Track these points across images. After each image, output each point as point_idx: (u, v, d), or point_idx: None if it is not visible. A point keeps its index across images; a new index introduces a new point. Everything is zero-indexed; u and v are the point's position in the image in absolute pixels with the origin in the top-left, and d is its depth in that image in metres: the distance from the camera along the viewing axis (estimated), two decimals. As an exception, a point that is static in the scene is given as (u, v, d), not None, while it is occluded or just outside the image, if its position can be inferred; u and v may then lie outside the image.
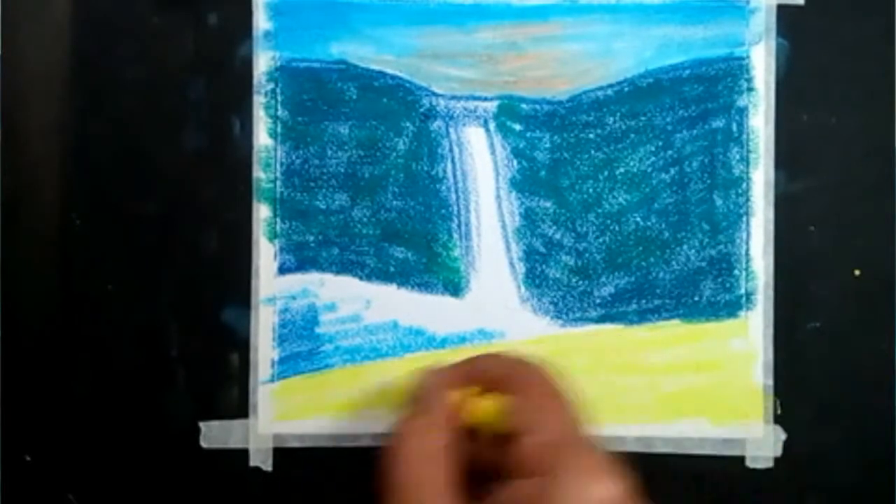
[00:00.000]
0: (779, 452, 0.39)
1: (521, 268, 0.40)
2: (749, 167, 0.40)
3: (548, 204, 0.40)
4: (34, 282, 0.40)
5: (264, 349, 0.40)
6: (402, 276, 0.40)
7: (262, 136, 0.40)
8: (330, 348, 0.40)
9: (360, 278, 0.40)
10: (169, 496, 0.40)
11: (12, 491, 0.40)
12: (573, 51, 0.40)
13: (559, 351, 0.40)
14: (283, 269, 0.40)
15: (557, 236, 0.40)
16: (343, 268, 0.40)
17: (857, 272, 0.40)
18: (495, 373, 0.34)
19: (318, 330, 0.40)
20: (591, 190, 0.40)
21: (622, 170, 0.40)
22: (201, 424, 0.40)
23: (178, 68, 0.40)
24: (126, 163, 0.40)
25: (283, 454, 0.40)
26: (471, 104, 0.40)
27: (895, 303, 0.40)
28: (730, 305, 0.40)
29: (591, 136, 0.40)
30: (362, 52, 0.40)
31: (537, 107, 0.40)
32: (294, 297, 0.40)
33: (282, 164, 0.40)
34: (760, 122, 0.40)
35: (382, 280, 0.40)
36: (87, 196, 0.40)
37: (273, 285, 0.40)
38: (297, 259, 0.40)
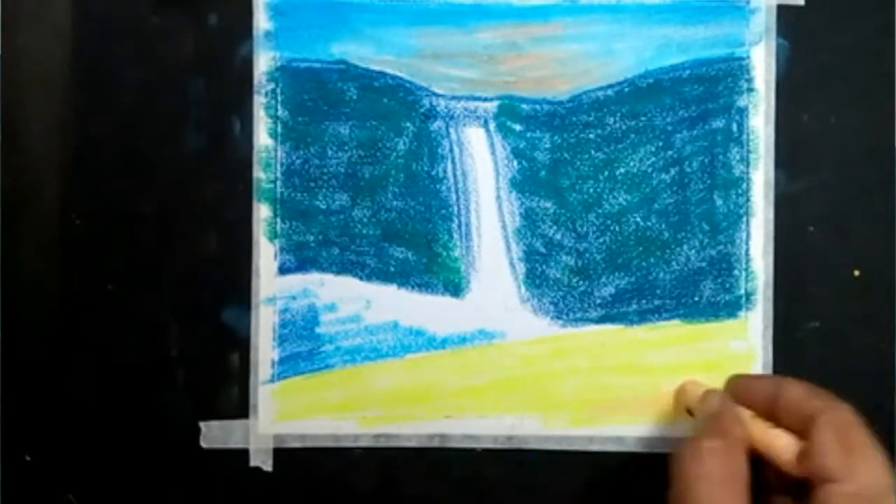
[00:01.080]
0: (779, 452, 0.39)
1: (521, 268, 0.40)
2: (749, 167, 0.40)
3: (548, 204, 0.40)
4: (34, 282, 0.40)
5: (264, 349, 0.40)
6: (403, 276, 0.40)
7: (263, 136, 0.40)
8: (330, 348, 0.40)
9: (361, 278, 0.40)
10: (169, 496, 0.40)
11: (12, 491, 0.40)
12: (573, 51, 0.40)
13: (559, 351, 0.40)
14: (283, 269, 0.40)
15: (558, 236, 0.40)
16: (343, 268, 0.40)
17: (857, 272, 0.40)
18: (799, 406, 0.33)
19: (318, 330, 0.40)
20: (591, 190, 0.40)
21: (622, 170, 0.40)
22: (201, 424, 0.40)
23: (178, 68, 0.40)
24: (126, 163, 0.40)
25: (283, 454, 0.40)
26: (471, 104, 0.40)
27: (895, 303, 0.40)
28: (730, 306, 0.40)
29: (592, 136, 0.40)
30: (362, 52, 0.40)
31: (537, 107, 0.40)
32: (294, 298, 0.40)
33: (282, 164, 0.40)
34: (760, 122, 0.40)
35: (383, 280, 0.40)
36: (87, 196, 0.40)
37: (273, 285, 0.40)
38: (298, 259, 0.40)
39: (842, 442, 0.31)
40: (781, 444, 0.33)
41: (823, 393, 0.33)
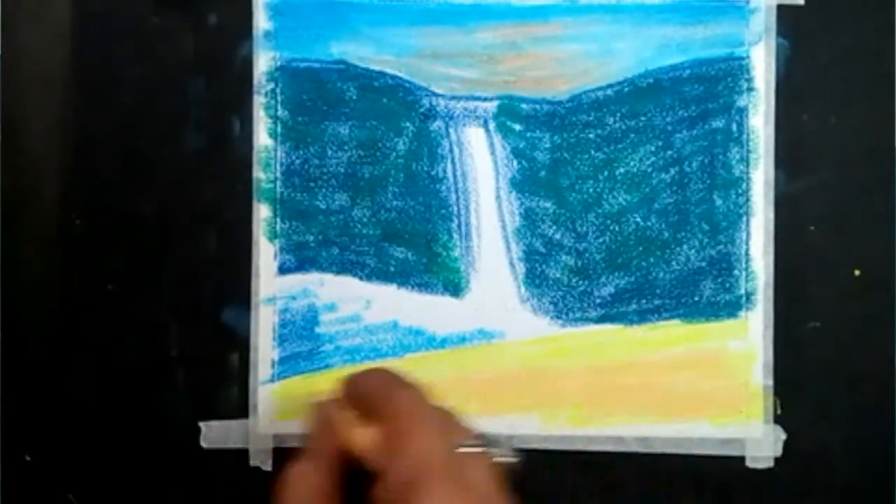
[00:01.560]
0: (779, 452, 0.39)
1: (521, 268, 0.40)
2: (749, 167, 0.40)
3: (548, 204, 0.40)
4: (34, 282, 0.40)
5: (264, 349, 0.40)
6: (403, 276, 0.40)
7: (262, 136, 0.40)
8: (330, 348, 0.40)
9: (361, 278, 0.40)
10: (169, 496, 0.40)
11: (12, 491, 0.40)
12: (573, 51, 0.40)
13: (559, 351, 0.40)
14: (283, 269, 0.40)
15: (557, 236, 0.40)
16: (343, 268, 0.40)
17: (857, 272, 0.40)
18: (369, 397, 0.33)
19: (318, 330, 0.40)
20: (591, 190, 0.40)
21: (622, 170, 0.40)
22: (201, 424, 0.40)
23: (178, 68, 0.40)
24: (126, 163, 0.40)
25: (283, 454, 0.40)
26: (471, 104, 0.40)
27: (895, 303, 0.40)
28: (730, 305, 0.40)
29: (591, 136, 0.40)
30: (362, 52, 0.40)
31: (537, 107, 0.40)
32: (294, 297, 0.40)
33: (282, 164, 0.40)
34: (760, 122, 0.40)
35: (382, 280, 0.40)
36: (87, 196, 0.40)
37: (273, 285, 0.40)
38: (298, 259, 0.40)
39: (389, 433, 0.30)
40: (361, 440, 0.32)
41: (388, 380, 0.33)
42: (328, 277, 0.40)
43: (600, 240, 0.40)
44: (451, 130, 0.40)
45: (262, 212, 0.40)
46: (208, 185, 0.40)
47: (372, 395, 0.32)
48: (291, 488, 0.32)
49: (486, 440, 0.32)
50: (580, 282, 0.40)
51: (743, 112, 0.40)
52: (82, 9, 0.40)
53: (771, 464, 0.39)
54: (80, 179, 0.40)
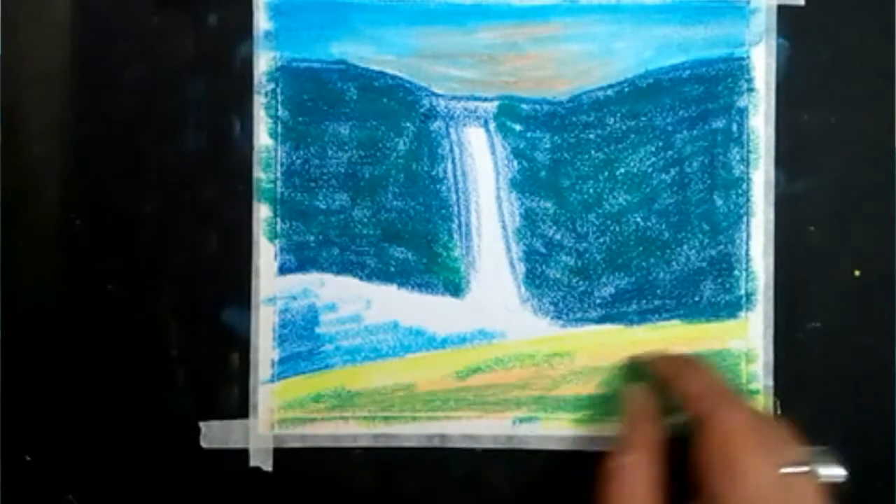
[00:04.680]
0: (779, 452, 0.39)
1: (521, 268, 0.40)
2: (749, 167, 0.40)
3: (548, 204, 0.40)
4: (34, 282, 0.40)
5: (264, 349, 0.40)
6: (403, 276, 0.40)
7: (263, 136, 0.40)
8: (330, 348, 0.40)
9: (361, 278, 0.40)
10: (169, 496, 0.40)
11: (12, 491, 0.40)
12: (573, 51, 0.40)
13: (559, 351, 0.40)
14: (283, 270, 0.40)
15: (558, 237, 0.40)
16: (343, 268, 0.40)
17: (857, 272, 0.40)
18: (694, 402, 0.34)
19: (318, 330, 0.40)
20: (591, 190, 0.40)
21: (622, 170, 0.40)
22: (201, 424, 0.40)
23: (178, 68, 0.40)
24: (126, 163, 0.40)
25: (283, 454, 0.40)
26: (471, 104, 0.40)
27: (895, 303, 0.40)
28: (730, 306, 0.40)
29: (592, 136, 0.40)
30: (362, 52, 0.40)
31: (537, 107, 0.40)
32: (294, 298, 0.40)
33: (282, 164, 0.40)
34: (760, 122, 0.40)
35: (383, 280, 0.40)
36: (87, 196, 0.40)
37: (273, 285, 0.40)
38: (298, 259, 0.40)
39: (721, 457, 0.31)
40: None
41: (719, 388, 0.34)
42: (328, 277, 0.40)
43: (601, 240, 0.40)
44: (452, 130, 0.40)
45: (262, 212, 0.40)
46: (208, 185, 0.40)
47: (697, 398, 0.33)
48: (623, 482, 0.32)
49: (812, 455, 0.32)
50: (580, 282, 0.40)
51: (743, 112, 0.40)
52: (82, 9, 0.40)
53: (771, 464, 0.39)
54: (80, 179, 0.40)
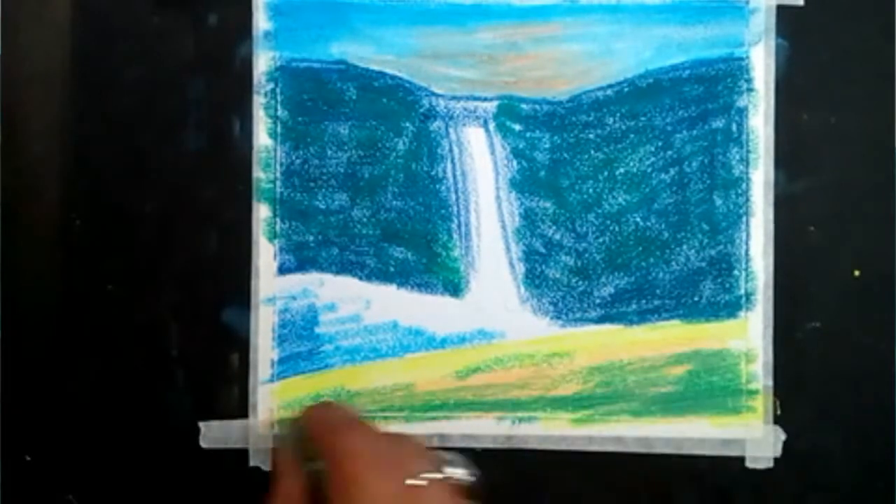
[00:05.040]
0: (779, 452, 0.39)
1: (520, 268, 0.40)
2: (749, 167, 0.40)
3: (547, 204, 0.40)
4: (34, 282, 0.40)
5: (264, 349, 0.40)
6: (402, 276, 0.40)
7: (262, 136, 0.40)
8: (330, 348, 0.40)
9: (360, 278, 0.40)
10: (169, 496, 0.40)
11: (12, 491, 0.40)
12: (573, 51, 0.40)
13: (559, 351, 0.40)
14: (283, 269, 0.40)
15: (557, 237, 0.40)
16: (343, 268, 0.40)
17: (857, 272, 0.40)
18: (314, 439, 0.34)
19: (317, 330, 0.40)
20: (590, 190, 0.40)
21: (622, 170, 0.40)
22: (201, 424, 0.40)
23: (178, 68, 0.40)
24: (126, 163, 0.40)
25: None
26: (471, 104, 0.40)
27: (895, 303, 0.40)
28: (729, 306, 0.40)
29: (591, 136, 0.40)
30: (362, 52, 0.40)
31: (537, 107, 0.40)
32: (294, 298, 0.40)
33: (282, 164, 0.40)
34: (760, 122, 0.40)
35: (382, 280, 0.40)
36: (87, 196, 0.40)
37: (273, 285, 0.40)
38: (297, 259, 0.40)
39: (342, 474, 0.31)
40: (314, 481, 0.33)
41: (330, 419, 0.34)
42: (328, 277, 0.40)
43: (600, 240, 0.40)
44: (451, 130, 0.40)
45: (262, 212, 0.40)
46: (208, 185, 0.40)
47: (316, 438, 0.34)
48: None
49: (441, 463, 0.33)
50: (580, 282, 0.40)
51: (743, 112, 0.40)
52: (82, 9, 0.40)
53: (771, 464, 0.39)
54: (80, 179, 0.40)
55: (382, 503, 0.30)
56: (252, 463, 0.40)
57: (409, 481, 0.31)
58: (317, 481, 0.33)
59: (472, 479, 0.33)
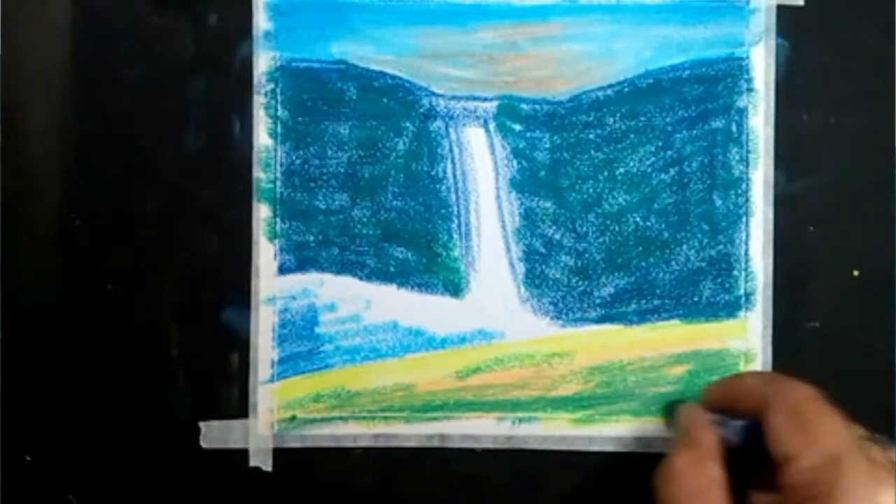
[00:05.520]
0: (778, 452, 0.39)
1: (521, 268, 0.40)
2: (749, 167, 0.40)
3: (548, 204, 0.40)
4: (34, 282, 0.40)
5: (264, 349, 0.40)
6: (402, 276, 0.40)
7: (262, 136, 0.40)
8: (330, 348, 0.40)
9: (360, 278, 0.40)
10: (169, 496, 0.40)
11: (12, 491, 0.40)
12: (573, 51, 0.40)
13: (559, 351, 0.40)
14: (283, 269, 0.40)
15: (557, 237, 0.40)
16: (343, 268, 0.40)
17: (856, 272, 0.40)
18: (754, 397, 0.33)
19: (318, 330, 0.40)
20: (590, 190, 0.40)
21: (622, 170, 0.40)
22: (201, 424, 0.40)
23: (178, 68, 0.40)
24: (126, 163, 0.40)
25: (283, 454, 0.40)
26: (471, 104, 0.40)
27: (895, 303, 0.40)
28: (729, 306, 0.40)
29: (591, 136, 0.40)
30: (362, 52, 0.40)
31: (537, 107, 0.40)
32: (294, 297, 0.40)
33: (282, 164, 0.40)
34: (760, 122, 0.40)
35: (382, 280, 0.40)
36: (87, 196, 0.40)
37: (273, 285, 0.40)
38: (297, 259, 0.40)
39: (794, 420, 0.31)
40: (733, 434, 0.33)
41: (777, 377, 0.34)
42: (328, 277, 0.40)
43: (600, 240, 0.40)
44: (451, 130, 0.40)
45: (262, 212, 0.40)
46: (208, 185, 0.40)
47: (758, 390, 0.33)
48: (682, 478, 0.32)
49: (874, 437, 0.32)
50: (580, 282, 0.40)
51: (743, 112, 0.40)
52: (82, 9, 0.40)
53: (771, 464, 0.39)
54: (80, 179, 0.40)
55: (849, 442, 0.30)
56: (252, 463, 0.40)
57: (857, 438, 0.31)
58: (730, 440, 0.33)
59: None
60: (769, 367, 0.39)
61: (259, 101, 0.40)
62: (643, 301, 0.40)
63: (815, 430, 0.30)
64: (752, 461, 0.33)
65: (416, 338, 0.40)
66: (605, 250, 0.40)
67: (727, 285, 0.40)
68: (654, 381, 0.40)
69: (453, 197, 0.40)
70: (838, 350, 0.40)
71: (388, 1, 0.40)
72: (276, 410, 0.40)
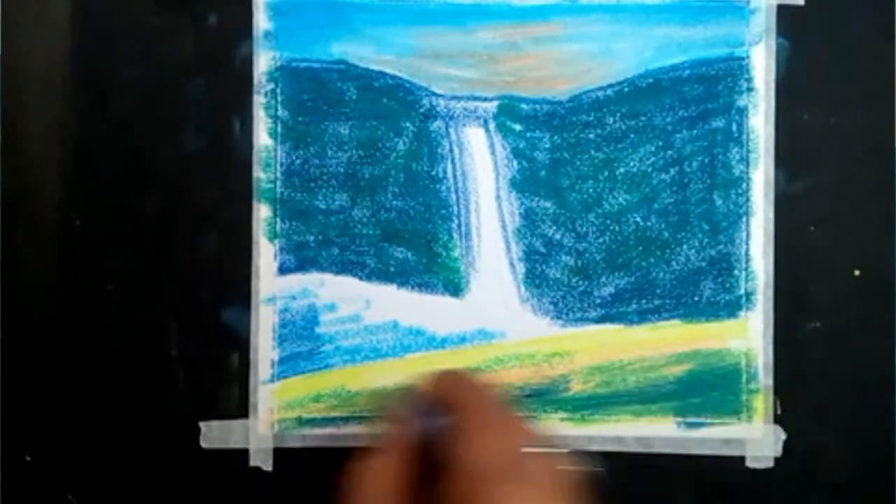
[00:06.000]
0: (779, 452, 0.39)
1: (521, 268, 0.40)
2: (749, 167, 0.40)
3: (548, 204, 0.40)
4: (34, 282, 0.40)
5: (264, 349, 0.40)
6: (403, 276, 0.40)
7: (262, 136, 0.40)
8: (330, 348, 0.40)
9: (361, 278, 0.40)
10: (169, 496, 0.40)
11: (12, 491, 0.40)
12: (573, 51, 0.40)
13: (559, 351, 0.40)
14: (283, 269, 0.40)
15: (557, 236, 0.40)
16: (343, 268, 0.40)
17: (857, 272, 0.40)
18: (441, 392, 0.33)
19: (318, 330, 0.40)
20: (591, 190, 0.40)
21: (622, 170, 0.40)
22: (201, 424, 0.40)
23: (178, 68, 0.40)
24: (126, 163, 0.40)
25: (283, 454, 0.40)
26: (471, 104, 0.40)
27: (895, 303, 0.40)
28: (730, 305, 0.40)
29: (592, 136, 0.40)
30: (362, 52, 0.40)
31: (537, 107, 0.40)
32: (294, 297, 0.40)
33: (282, 164, 0.40)
34: (760, 121, 0.40)
35: (382, 280, 0.40)
36: (87, 196, 0.40)
37: (273, 285, 0.40)
38: (298, 259, 0.40)
39: (467, 425, 0.31)
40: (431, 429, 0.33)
41: (462, 378, 0.34)
42: (328, 277, 0.40)
43: (600, 240, 0.40)
44: (452, 130, 0.40)
45: (262, 212, 0.40)
46: (208, 185, 0.40)
47: (444, 390, 0.33)
48: (366, 484, 0.32)
49: (550, 444, 0.33)
50: (580, 282, 0.40)
51: (743, 112, 0.40)
52: (82, 9, 0.40)
53: (771, 464, 0.39)
54: (80, 179, 0.40)
55: (501, 457, 0.30)
56: (252, 463, 0.40)
57: (524, 448, 0.30)
58: (430, 435, 0.33)
59: (590, 468, 0.33)
60: (769, 368, 0.39)
61: (259, 101, 0.40)
62: (643, 301, 0.40)
63: (484, 440, 0.30)
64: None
65: (416, 338, 0.40)
66: (606, 250, 0.40)
67: (728, 285, 0.40)
68: (655, 380, 0.40)
69: (453, 197, 0.40)
70: (838, 350, 0.40)
71: (388, 1, 0.40)
72: (277, 410, 0.40)
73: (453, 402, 0.32)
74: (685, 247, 0.40)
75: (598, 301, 0.40)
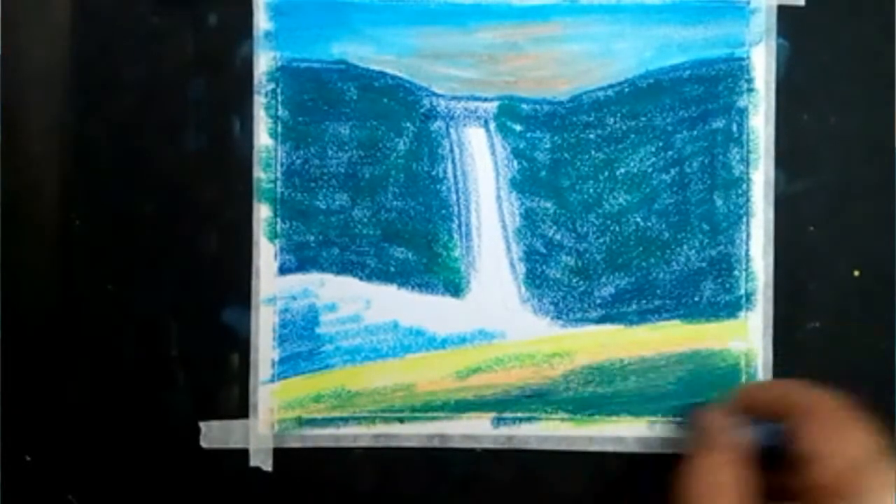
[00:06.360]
0: (779, 452, 0.40)
1: (521, 268, 0.40)
2: (749, 167, 0.40)
3: (548, 204, 0.40)
4: (34, 282, 0.40)
5: (264, 349, 0.40)
6: (403, 276, 0.40)
7: (263, 136, 0.40)
8: (330, 348, 0.40)
9: (361, 278, 0.40)
10: (169, 496, 0.40)
11: (12, 491, 0.40)
12: (573, 51, 0.40)
13: (559, 351, 0.40)
14: (283, 270, 0.40)
15: (558, 237, 0.40)
16: (343, 268, 0.40)
17: (857, 272, 0.40)
18: (779, 398, 0.35)
19: (318, 330, 0.40)
20: (591, 190, 0.40)
21: (622, 170, 0.40)
22: (201, 424, 0.40)
23: (178, 68, 0.40)
24: (126, 163, 0.40)
25: (283, 454, 0.40)
26: (471, 104, 0.40)
27: (895, 303, 0.40)
28: (730, 306, 0.40)
29: (592, 136, 0.40)
30: (362, 52, 0.40)
31: (537, 107, 0.40)
32: (294, 298, 0.40)
33: (282, 164, 0.40)
34: (760, 122, 0.40)
35: (383, 280, 0.40)
36: (87, 196, 0.40)
37: (273, 285, 0.40)
38: (298, 259, 0.40)
39: (828, 425, 0.33)
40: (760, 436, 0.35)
41: (806, 386, 0.36)
42: (328, 277, 0.40)
43: (601, 240, 0.40)
44: (452, 130, 0.40)
45: (262, 212, 0.40)
46: (208, 185, 0.40)
47: (784, 397, 0.35)
48: (701, 480, 0.33)
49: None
50: (580, 282, 0.40)
51: (743, 112, 0.40)
52: (82, 9, 0.40)
53: (771, 464, 0.40)
54: (80, 179, 0.40)
55: (872, 447, 0.32)
56: (252, 463, 0.40)
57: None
58: (766, 440, 0.35)
59: None
60: (769, 368, 0.40)
61: (259, 101, 0.40)
62: (644, 301, 0.40)
63: (847, 436, 0.33)
64: (770, 463, 0.34)
65: (416, 338, 0.40)
66: (606, 250, 0.40)
67: (728, 285, 0.40)
68: (655, 381, 0.40)
69: (454, 197, 0.40)
70: (839, 350, 0.40)
71: (389, 1, 0.40)
72: (277, 410, 0.40)
73: (789, 408, 0.34)
74: (685, 247, 0.40)
75: (598, 301, 0.40)
